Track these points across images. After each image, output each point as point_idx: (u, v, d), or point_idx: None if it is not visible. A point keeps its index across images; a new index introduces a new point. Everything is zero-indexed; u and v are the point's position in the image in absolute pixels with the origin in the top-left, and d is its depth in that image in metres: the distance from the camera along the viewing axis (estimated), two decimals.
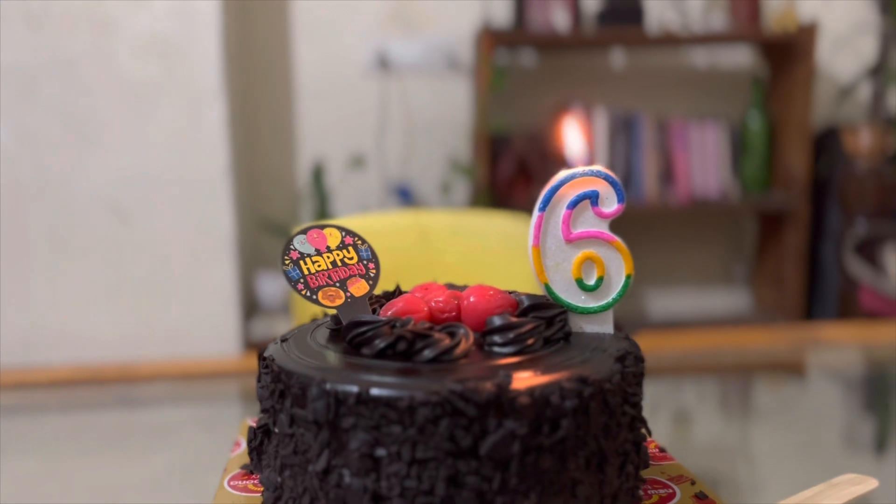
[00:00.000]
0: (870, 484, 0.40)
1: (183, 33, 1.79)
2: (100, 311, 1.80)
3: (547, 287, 0.41)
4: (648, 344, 1.16)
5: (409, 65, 2.12)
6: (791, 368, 1.10)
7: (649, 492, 0.41)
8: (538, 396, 0.33)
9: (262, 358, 0.39)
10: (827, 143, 2.12)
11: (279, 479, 0.37)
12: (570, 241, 0.40)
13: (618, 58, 2.25)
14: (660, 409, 0.91)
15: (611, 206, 0.40)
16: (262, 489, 0.40)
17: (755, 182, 2.16)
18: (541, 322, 0.39)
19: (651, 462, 0.45)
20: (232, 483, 0.43)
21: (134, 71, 1.78)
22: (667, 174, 2.15)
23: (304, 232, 0.42)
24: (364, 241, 0.43)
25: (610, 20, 2.06)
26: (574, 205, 0.40)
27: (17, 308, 1.78)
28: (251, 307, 2.02)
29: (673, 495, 0.40)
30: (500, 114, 2.07)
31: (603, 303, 0.41)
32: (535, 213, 0.40)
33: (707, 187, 2.15)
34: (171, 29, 1.78)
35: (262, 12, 2.10)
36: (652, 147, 2.12)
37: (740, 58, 2.27)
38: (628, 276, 0.41)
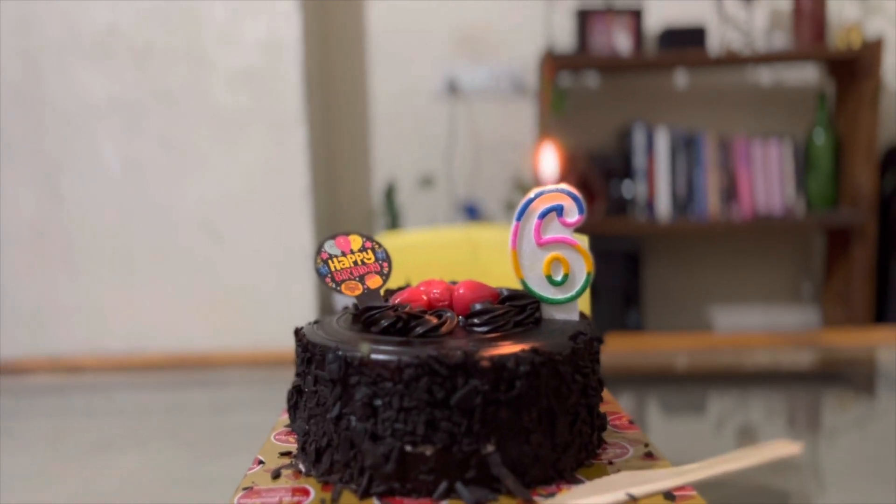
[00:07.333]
0: (792, 449, 0.48)
1: (269, 67, 1.96)
2: (192, 319, 1.98)
3: (523, 282, 0.51)
4: (712, 358, 1.18)
5: (476, 89, 2.24)
6: (859, 381, 1.11)
7: (607, 450, 0.50)
8: (497, 362, 0.43)
9: (296, 333, 0.50)
10: (894, 159, 2.11)
11: (307, 427, 0.48)
12: (541, 245, 0.50)
13: (680, 78, 2.30)
14: (726, 423, 0.94)
15: (573, 216, 0.49)
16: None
17: (821, 199, 2.17)
18: (513, 309, 0.49)
19: (619, 431, 0.54)
20: (277, 437, 0.54)
21: (226, 101, 1.96)
22: (730, 191, 2.19)
23: (333, 238, 0.53)
24: (380, 246, 0.54)
25: (672, 42, 2.12)
26: (543, 216, 0.50)
27: (121, 313, 1.98)
28: (327, 314, 2.16)
29: (626, 453, 0.49)
30: (564, 134, 2.15)
31: (569, 295, 0.50)
32: (513, 222, 0.50)
33: (771, 204, 2.17)
34: (258, 63, 1.96)
35: (341, 45, 2.27)
36: (714, 165, 2.16)
37: (805, 75, 2.28)
38: (588, 274, 0.50)
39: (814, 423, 0.97)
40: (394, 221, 2.12)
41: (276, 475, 0.47)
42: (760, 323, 2.35)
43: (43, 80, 1.91)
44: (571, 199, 0.49)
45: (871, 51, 2.05)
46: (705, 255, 2.33)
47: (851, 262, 2.15)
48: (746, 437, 0.89)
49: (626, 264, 2.17)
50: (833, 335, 1.32)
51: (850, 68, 2.13)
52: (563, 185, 0.50)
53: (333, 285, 0.51)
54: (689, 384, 1.10)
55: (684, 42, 2.12)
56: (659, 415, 1.00)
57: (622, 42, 2.13)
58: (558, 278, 0.50)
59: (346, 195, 2.31)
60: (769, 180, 2.18)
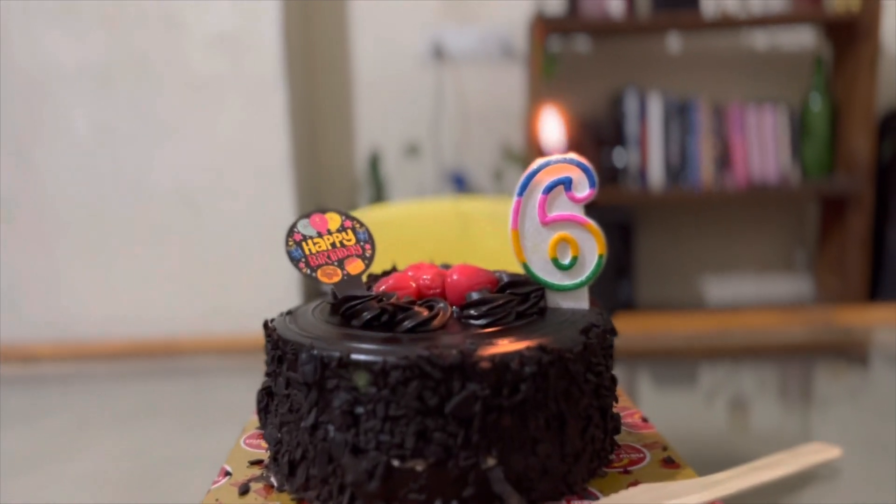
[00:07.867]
0: (833, 452, 0.43)
1: (246, 29, 1.87)
2: (170, 293, 1.91)
3: (525, 266, 0.45)
4: (705, 327, 1.15)
5: (463, 54, 2.15)
6: (853, 355, 1.07)
7: (621, 455, 0.44)
8: (499, 362, 0.37)
9: (265, 327, 0.44)
10: (892, 125, 2.06)
11: (279, 435, 0.42)
12: (546, 223, 0.44)
13: (673, 42, 2.23)
14: (717, 394, 0.90)
15: (583, 191, 0.43)
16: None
17: (817, 166, 2.12)
18: (515, 298, 0.43)
19: (631, 431, 0.48)
20: (247, 441, 0.48)
21: (201, 66, 1.87)
22: (723, 159, 2.13)
23: (307, 216, 0.46)
24: (362, 225, 0.47)
25: (665, 5, 2.05)
26: (549, 190, 0.43)
27: (96, 289, 1.91)
28: (311, 291, 2.09)
29: (642, 459, 0.43)
30: (554, 101, 2.08)
31: (577, 280, 0.44)
32: (514, 197, 0.44)
33: (766, 172, 2.12)
34: (235, 25, 1.86)
35: (322, 7, 2.17)
36: (708, 132, 2.10)
37: (801, 39, 2.22)
38: (600, 256, 0.44)
39: (810, 398, 0.93)
40: (379, 192, 2.05)
41: (245, 491, 0.41)
42: (753, 292, 2.30)
43: (7, 44, 1.81)
44: (581, 171, 0.43)
45: (870, 13, 1.99)
46: (698, 225, 2.28)
47: (847, 231, 2.10)
48: (741, 410, 0.86)
49: (617, 235, 2.11)
50: (831, 311, 1.28)
51: (848, 32, 2.07)
52: (572, 155, 0.44)
53: (308, 271, 0.44)
54: (683, 362, 1.06)
55: (678, 4, 2.05)
56: (652, 393, 0.95)
57: (614, 4, 2.05)
58: (566, 261, 0.44)
59: (329, 165, 2.22)
60: (764, 147, 2.12)
